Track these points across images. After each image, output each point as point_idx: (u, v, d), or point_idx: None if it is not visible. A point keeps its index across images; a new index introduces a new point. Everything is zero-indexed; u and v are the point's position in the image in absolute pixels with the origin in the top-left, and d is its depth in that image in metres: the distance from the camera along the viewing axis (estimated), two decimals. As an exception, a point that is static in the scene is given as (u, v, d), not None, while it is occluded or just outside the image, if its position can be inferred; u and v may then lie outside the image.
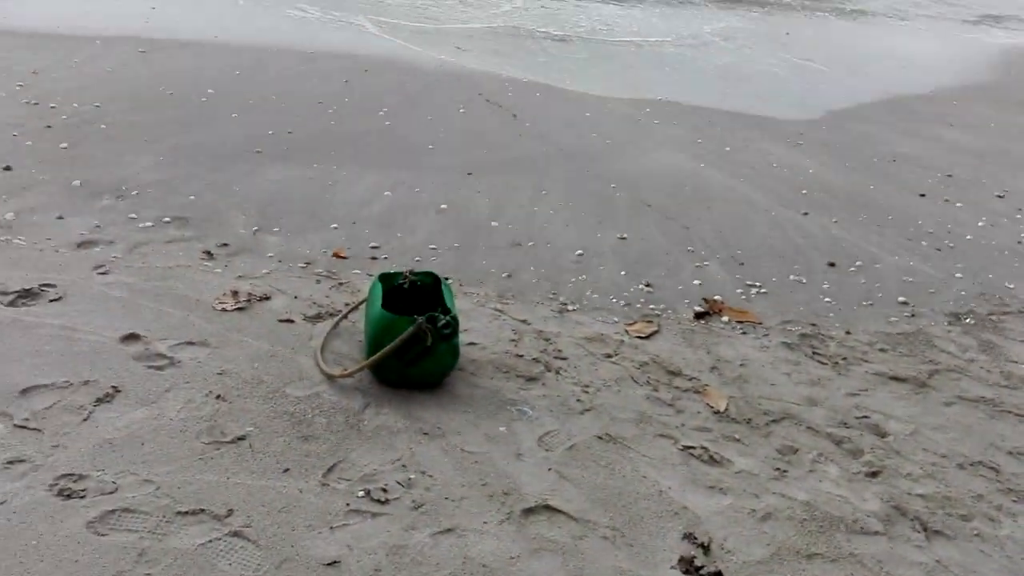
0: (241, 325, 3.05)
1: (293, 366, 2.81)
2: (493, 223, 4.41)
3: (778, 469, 2.65)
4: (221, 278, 3.40)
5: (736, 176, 5.44)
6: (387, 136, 5.50)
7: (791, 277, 4.20)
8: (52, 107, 5.22)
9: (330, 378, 2.75)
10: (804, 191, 5.41)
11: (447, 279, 3.33)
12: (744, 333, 3.59)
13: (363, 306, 3.12)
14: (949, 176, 5.89)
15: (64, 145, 4.68)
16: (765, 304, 3.89)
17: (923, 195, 5.54)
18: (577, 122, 6.25)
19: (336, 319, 3.11)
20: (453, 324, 2.72)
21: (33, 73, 5.80)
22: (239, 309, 3.15)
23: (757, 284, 4.07)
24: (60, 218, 3.81)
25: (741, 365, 3.29)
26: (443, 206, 4.53)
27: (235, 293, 3.24)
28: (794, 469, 2.66)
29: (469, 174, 5.08)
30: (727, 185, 5.28)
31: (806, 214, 5.01)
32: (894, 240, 4.71)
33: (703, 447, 2.70)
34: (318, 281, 3.52)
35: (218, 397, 2.58)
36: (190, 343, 2.86)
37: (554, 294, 3.74)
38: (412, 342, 2.67)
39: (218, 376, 2.69)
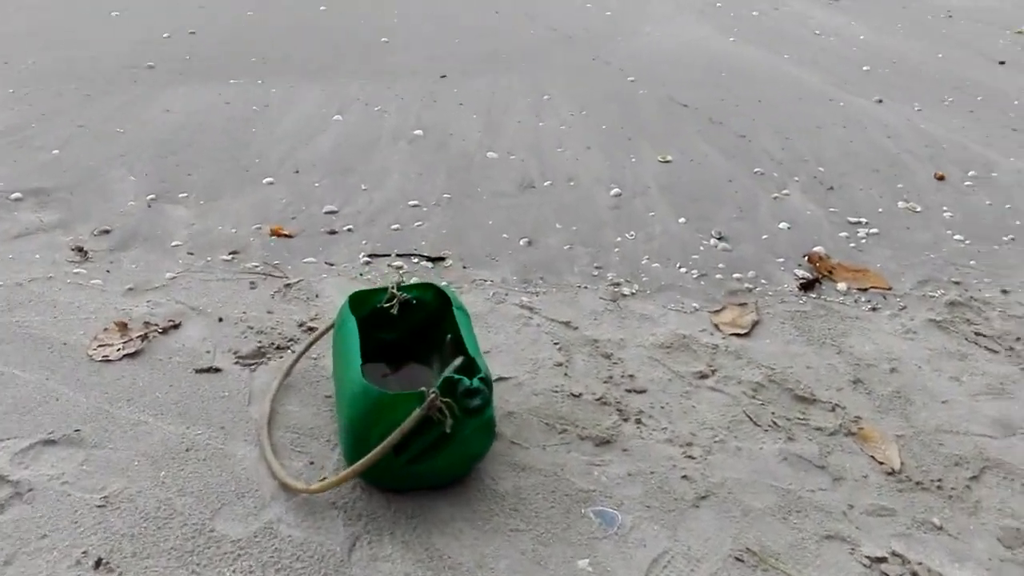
0: (135, 387, 1.89)
1: (225, 469, 1.69)
2: (489, 153, 3.21)
3: (1019, 579, 1.67)
4: (101, 296, 2.20)
5: (777, 51, 4.23)
6: (327, 31, 4.12)
7: (900, 204, 3.12)
8: None
9: (291, 491, 1.64)
10: (865, 67, 4.23)
11: (448, 285, 2.16)
12: (874, 309, 2.53)
13: (329, 334, 1.97)
14: (1021, 32, 4.75)
15: None
16: (882, 252, 2.81)
17: (1002, 63, 4.40)
18: (569, -5, 4.90)
19: (288, 364, 1.96)
20: (484, 390, 1.61)
21: None
22: (130, 355, 1.98)
23: (861, 220, 2.99)
24: None
25: (891, 370, 2.25)
26: (416, 132, 3.29)
27: (123, 326, 2.06)
28: (1041, 574, 1.68)
29: (443, 77, 3.80)
30: (771, 65, 4.08)
31: (880, 101, 3.86)
32: (998, 132, 3.61)
33: (898, 556, 1.69)
34: (252, 285, 2.33)
35: (98, 565, 1.47)
36: (49, 442, 1.71)
37: (598, 267, 2.61)
38: (420, 429, 1.57)
39: (97, 515, 1.56)
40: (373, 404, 1.55)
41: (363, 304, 1.87)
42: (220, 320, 2.15)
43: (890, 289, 2.65)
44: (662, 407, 2.02)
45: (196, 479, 1.65)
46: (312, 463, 1.72)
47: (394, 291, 1.86)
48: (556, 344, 2.21)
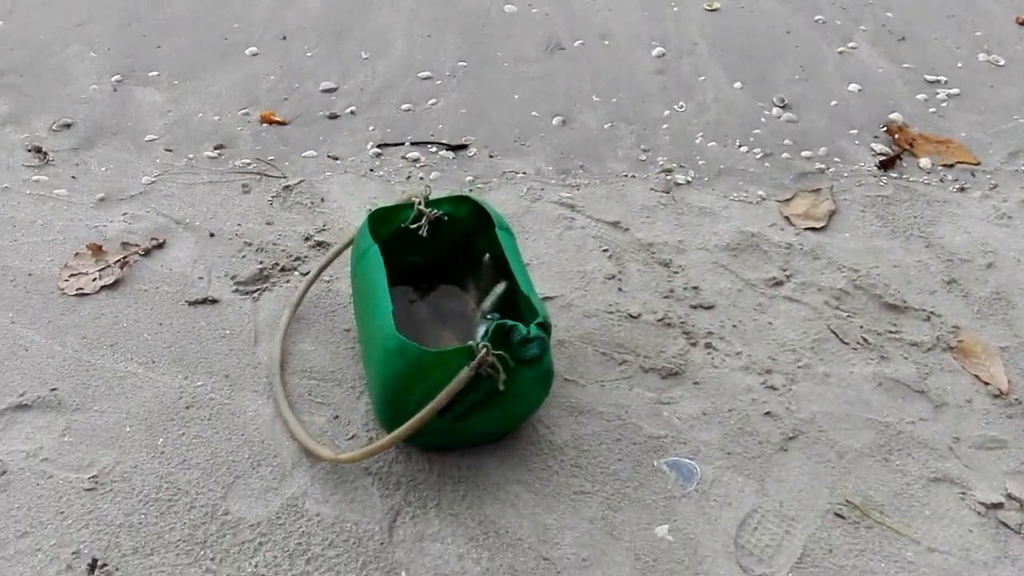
0: (118, 327, 1.61)
1: (235, 431, 1.43)
2: (507, 7, 2.76)
3: None
4: (68, 210, 1.87)
5: None
6: None
7: (980, 56, 2.71)
8: None
9: (317, 458, 1.39)
10: None
11: (485, 200, 1.83)
12: (962, 189, 2.19)
13: (344, 255, 1.66)
14: None
15: None
16: (966, 118, 2.44)
17: None
18: None
19: (298, 294, 1.65)
20: (542, 338, 1.32)
21: None
22: (109, 286, 1.68)
23: (940, 78, 2.58)
24: None
25: (988, 265, 1.95)
26: (421, -18, 2.82)
27: (98, 249, 1.75)
28: None
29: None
30: None
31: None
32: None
33: (1015, 499, 1.46)
34: (246, 188, 1.99)
35: (93, 568, 1.23)
36: (21, 407, 1.45)
37: (645, 149, 2.25)
38: (468, 386, 1.29)
39: (87, 501, 1.32)
40: (412, 364, 1.26)
41: (384, 223, 1.54)
42: (211, 236, 1.83)
43: (978, 164, 2.30)
44: (734, 326, 1.73)
45: (201, 446, 1.40)
46: (337, 417, 1.46)
47: (421, 207, 1.52)
48: (605, 251, 1.89)
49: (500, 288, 1.56)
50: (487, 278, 1.60)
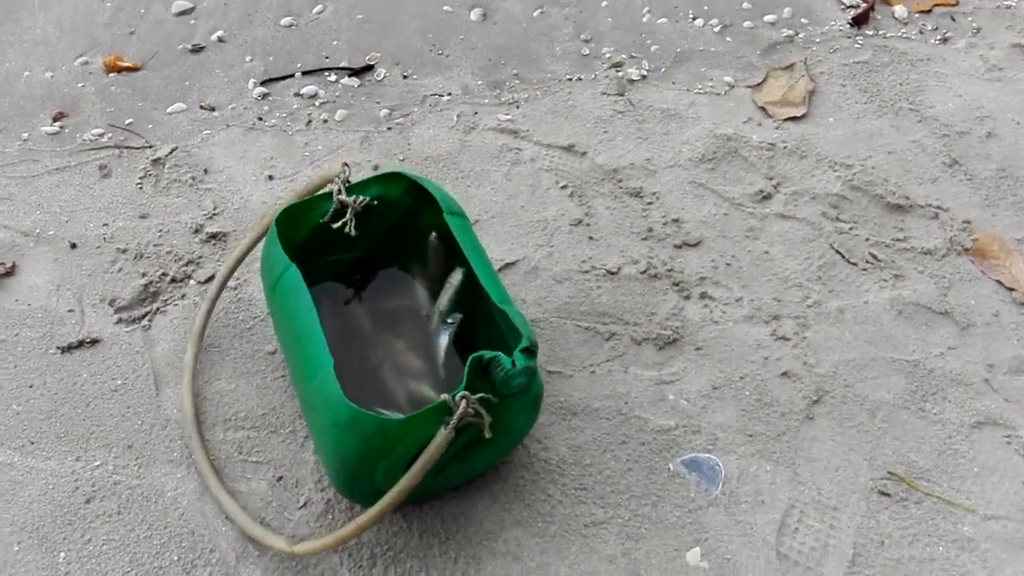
0: (-26, 397, 1.25)
1: (154, 523, 1.13)
2: None
3: None
4: None
5: None
6: None
7: None
8: None
9: (271, 549, 1.11)
10: None
11: (426, 176, 1.49)
12: (944, 40, 1.91)
13: (254, 252, 1.31)
14: None
15: None
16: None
17: None
18: None
19: (199, 320, 1.30)
20: (531, 367, 1.03)
21: None
22: (-50, 342, 1.30)
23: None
24: None
25: (988, 135, 1.71)
26: None
27: (-79, 292, 1.34)
28: None
29: None
30: None
31: None
32: None
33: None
34: (104, 169, 1.56)
35: None
36: None
37: (587, 40, 1.87)
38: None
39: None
40: (373, 437, 0.97)
41: (297, 224, 1.19)
42: (73, 247, 1.43)
43: (956, 4, 2.01)
44: (728, 264, 1.48)
45: (115, 553, 1.10)
46: (280, 479, 1.18)
47: (342, 197, 1.17)
48: (564, 188, 1.58)
49: (456, 278, 1.25)
50: (436, 261, 1.29)
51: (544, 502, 1.18)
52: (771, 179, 1.61)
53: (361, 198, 1.17)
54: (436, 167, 1.60)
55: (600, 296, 1.41)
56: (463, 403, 0.97)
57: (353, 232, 1.17)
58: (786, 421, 1.28)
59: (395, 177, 1.21)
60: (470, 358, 0.99)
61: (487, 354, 1.00)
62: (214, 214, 1.49)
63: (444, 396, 0.97)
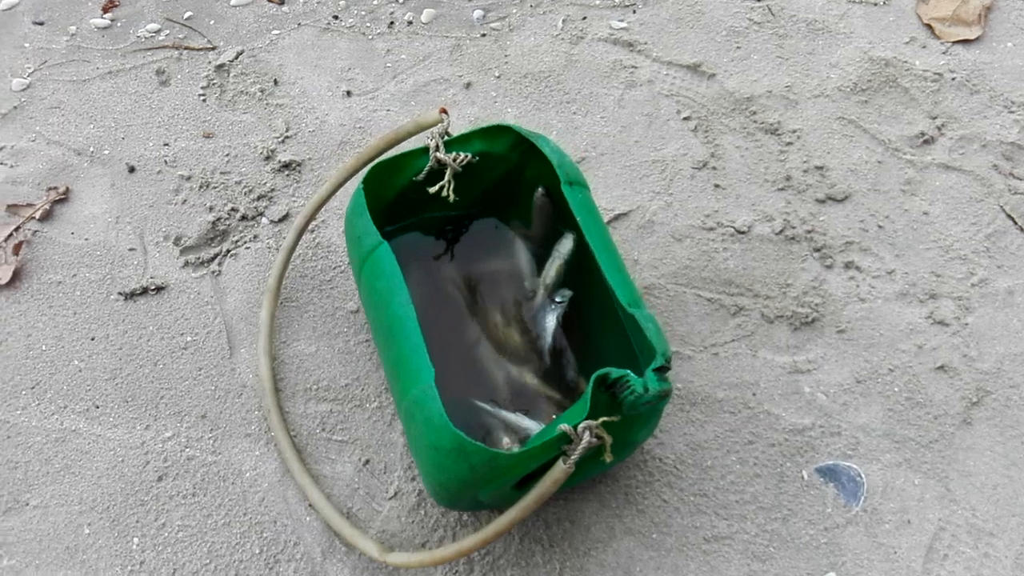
0: (30, 354, 1.13)
1: (233, 508, 1.03)
2: None
3: None
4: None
5: None
6: None
7: None
8: None
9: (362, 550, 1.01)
10: None
11: (537, 133, 1.24)
12: None
13: (336, 201, 1.13)
14: None
15: None
16: None
17: None
18: None
19: (276, 270, 1.15)
20: (663, 390, 0.86)
21: None
22: (3, 286, 1.18)
23: None
24: None
25: None
26: None
27: (-30, 221, 1.20)
28: None
29: None
30: None
31: None
32: None
33: None
34: (162, 76, 1.37)
35: None
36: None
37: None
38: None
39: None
40: (481, 468, 0.83)
41: (387, 181, 1.00)
42: (131, 170, 1.27)
43: None
44: (879, 225, 1.26)
45: (192, 543, 1.01)
46: (367, 462, 1.06)
47: (440, 154, 0.97)
48: (687, 119, 1.34)
49: (566, 247, 1.07)
50: (542, 220, 1.10)
51: (659, 509, 1.05)
52: (935, 119, 1.36)
53: (462, 155, 0.98)
54: (537, 87, 1.37)
55: (726, 260, 1.22)
56: (586, 435, 0.82)
57: (452, 197, 0.98)
58: (940, 426, 1.11)
59: (501, 131, 1.00)
60: (594, 377, 0.83)
61: (614, 372, 0.84)
62: (286, 136, 1.30)
63: (565, 428, 0.81)
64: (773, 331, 1.17)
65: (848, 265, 1.22)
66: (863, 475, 1.08)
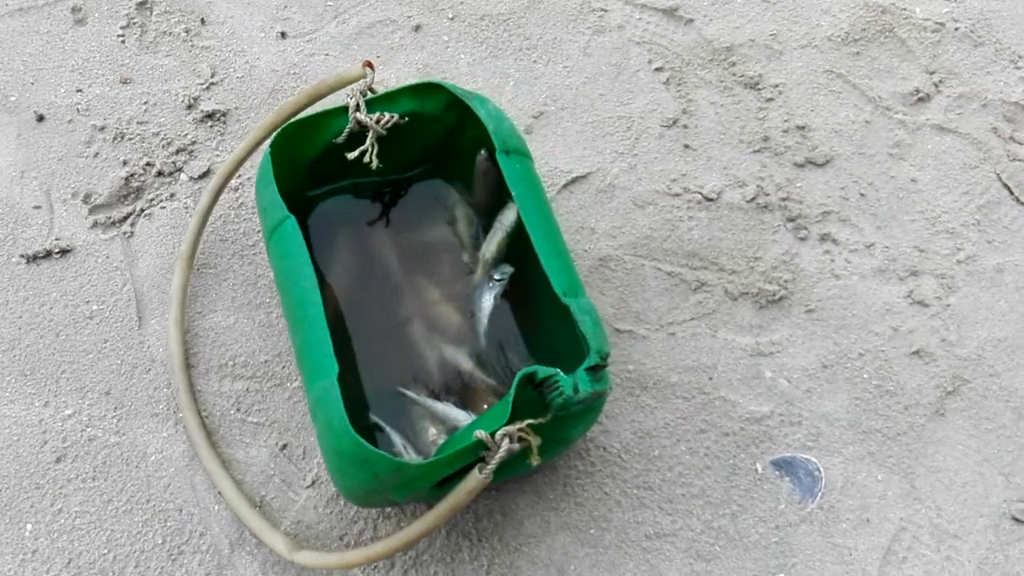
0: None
1: (135, 494, 0.95)
2: None
3: None
4: None
5: None
6: None
7: None
8: None
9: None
10: None
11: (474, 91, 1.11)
12: None
13: (255, 158, 1.03)
14: None
15: None
16: None
17: None
18: None
19: (192, 230, 1.05)
20: (596, 391, 0.76)
21: None
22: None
23: None
24: None
25: None
26: None
27: None
28: None
29: None
30: None
31: None
32: None
33: None
34: (77, 14, 1.23)
35: None
36: None
37: None
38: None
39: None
40: (386, 478, 0.74)
41: (306, 141, 0.89)
42: (40, 119, 1.15)
43: None
44: (861, 193, 1.15)
45: (90, 530, 0.93)
46: (285, 446, 0.98)
47: (360, 115, 0.86)
48: (659, 69, 1.22)
49: (508, 218, 0.96)
50: (483, 186, 0.99)
51: (599, 502, 0.97)
52: (932, 73, 1.23)
53: (387, 116, 0.86)
54: (495, 31, 1.24)
55: (691, 230, 1.11)
56: (504, 442, 0.73)
57: (375, 164, 0.87)
58: (909, 416, 1.02)
59: (433, 89, 0.89)
60: (518, 376, 0.74)
61: (541, 371, 0.75)
62: (211, 83, 1.18)
63: (480, 434, 0.72)
64: (736, 309, 1.07)
65: (824, 237, 1.11)
66: (822, 469, 1.00)
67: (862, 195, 1.14)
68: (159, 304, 1.04)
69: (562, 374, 0.75)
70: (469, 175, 1.00)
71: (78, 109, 1.16)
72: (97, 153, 1.12)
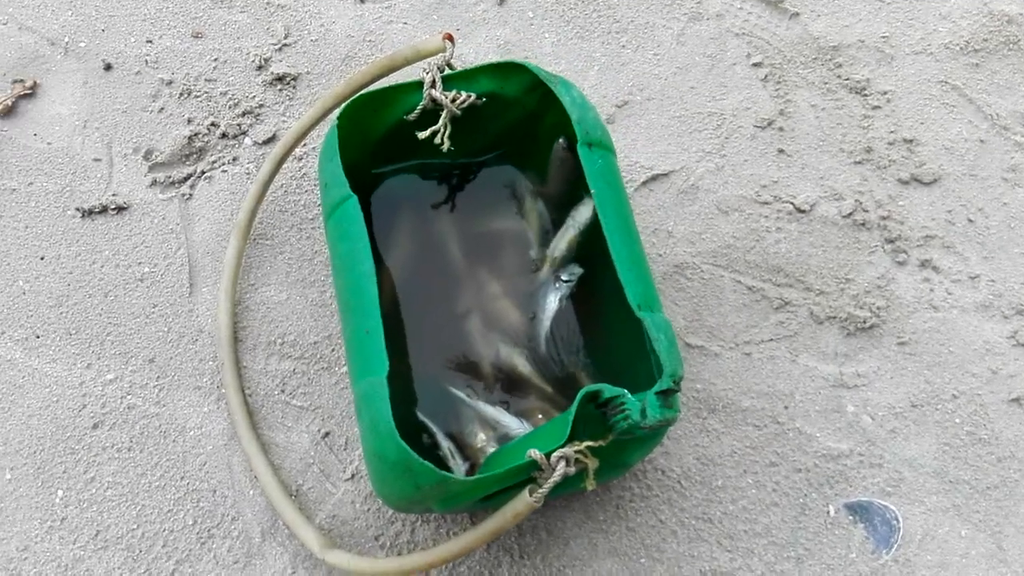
0: (-19, 257, 1.02)
1: (171, 469, 0.92)
2: None
3: None
4: None
5: None
6: None
7: None
8: None
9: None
10: None
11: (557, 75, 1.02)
12: None
13: (322, 128, 0.97)
14: None
15: None
16: None
17: None
18: None
19: (251, 199, 1.00)
20: (665, 418, 0.69)
21: None
22: (-44, 180, 1.05)
23: None
24: None
25: None
26: None
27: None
28: None
29: None
30: None
31: None
32: None
33: None
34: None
35: None
36: None
37: None
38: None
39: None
40: (428, 490, 0.69)
41: (373, 119, 0.83)
42: (107, 68, 1.12)
43: None
44: (970, 219, 1.04)
45: (121, 503, 0.90)
46: (327, 435, 0.93)
47: (435, 92, 0.79)
48: (757, 65, 1.12)
49: (583, 215, 0.89)
50: (559, 176, 0.92)
51: (653, 530, 0.90)
52: (1060, 92, 1.11)
53: (463, 95, 0.79)
54: (583, 9, 1.16)
55: (778, 243, 1.03)
56: (560, 465, 0.66)
57: (447, 146, 0.80)
58: (1002, 470, 0.93)
59: (516, 69, 0.82)
60: (581, 393, 0.67)
61: (607, 391, 0.68)
62: (284, 44, 1.12)
63: (535, 454, 0.66)
64: (821, 334, 0.98)
65: (924, 264, 1.02)
66: (900, 518, 0.91)
67: (970, 221, 1.04)
68: (212, 272, 1.00)
69: (629, 396, 0.68)
70: (544, 164, 0.93)
71: (147, 60, 1.12)
72: (162, 108, 1.08)
